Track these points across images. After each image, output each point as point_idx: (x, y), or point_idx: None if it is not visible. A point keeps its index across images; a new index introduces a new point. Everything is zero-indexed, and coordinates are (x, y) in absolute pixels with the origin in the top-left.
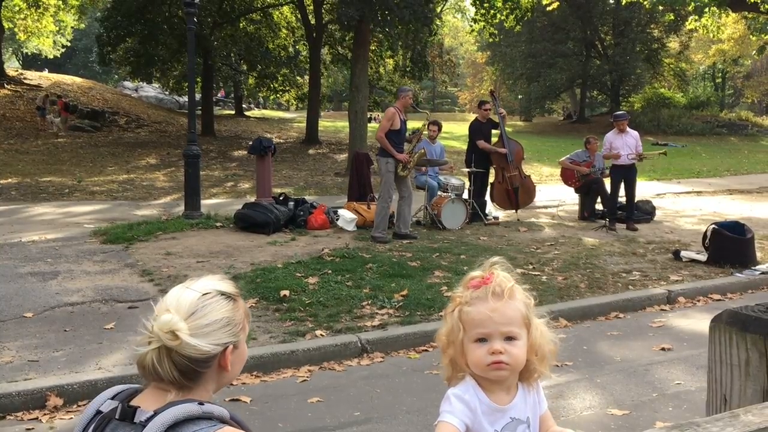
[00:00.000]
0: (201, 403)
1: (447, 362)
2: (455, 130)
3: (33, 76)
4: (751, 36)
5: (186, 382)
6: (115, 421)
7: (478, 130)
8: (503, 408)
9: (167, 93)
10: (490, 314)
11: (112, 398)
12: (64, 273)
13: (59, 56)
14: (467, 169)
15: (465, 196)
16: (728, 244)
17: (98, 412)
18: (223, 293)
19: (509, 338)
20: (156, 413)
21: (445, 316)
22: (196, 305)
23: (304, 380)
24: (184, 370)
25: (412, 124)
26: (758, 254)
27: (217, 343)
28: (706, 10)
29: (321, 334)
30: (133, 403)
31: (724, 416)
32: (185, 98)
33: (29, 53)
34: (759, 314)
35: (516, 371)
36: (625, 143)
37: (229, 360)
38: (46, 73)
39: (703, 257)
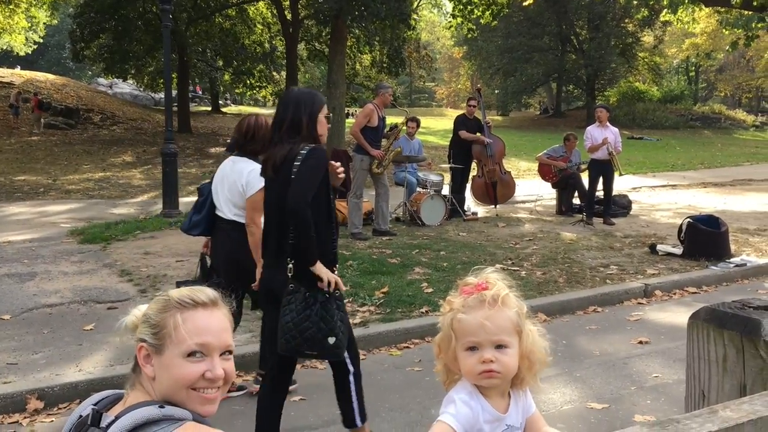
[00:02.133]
0: (162, 406)
1: (441, 368)
2: (432, 125)
3: (5, 74)
4: (723, 30)
5: (134, 374)
6: (88, 426)
7: (462, 124)
8: (503, 416)
9: (142, 89)
10: (481, 323)
11: (95, 404)
12: (41, 274)
13: (31, 53)
14: (447, 165)
15: (444, 191)
16: (703, 237)
17: (80, 416)
18: (168, 296)
19: (500, 346)
20: (117, 418)
21: (441, 322)
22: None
23: None
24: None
25: (391, 119)
26: (732, 247)
27: (138, 335)
28: (681, 6)
29: None
30: (114, 408)
31: (703, 412)
32: (161, 95)
33: (0, 50)
34: (735, 311)
35: (507, 379)
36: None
37: (142, 358)
38: (18, 70)
39: (678, 251)
